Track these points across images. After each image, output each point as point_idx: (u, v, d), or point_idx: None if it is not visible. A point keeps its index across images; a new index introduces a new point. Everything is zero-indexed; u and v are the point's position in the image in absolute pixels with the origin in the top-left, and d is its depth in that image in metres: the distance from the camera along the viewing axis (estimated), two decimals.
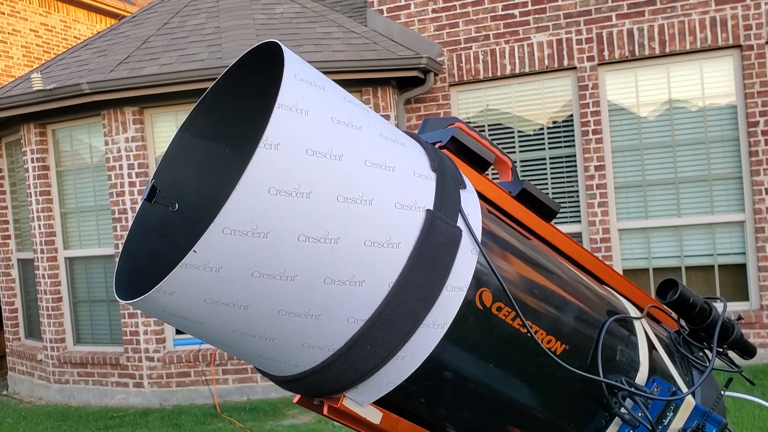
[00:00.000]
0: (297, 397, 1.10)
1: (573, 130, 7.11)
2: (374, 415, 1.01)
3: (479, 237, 0.98)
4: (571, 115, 7.11)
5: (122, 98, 6.71)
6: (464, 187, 1.01)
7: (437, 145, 1.14)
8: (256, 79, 1.07)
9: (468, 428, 1.07)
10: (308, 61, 1.12)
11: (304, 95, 0.87)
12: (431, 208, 0.93)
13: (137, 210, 1.09)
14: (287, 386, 1.02)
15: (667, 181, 6.92)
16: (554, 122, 7.21)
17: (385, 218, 0.89)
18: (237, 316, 0.87)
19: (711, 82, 6.79)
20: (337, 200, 0.86)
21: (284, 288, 0.86)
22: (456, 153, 1.13)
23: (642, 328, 1.19)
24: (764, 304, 6.63)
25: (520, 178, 1.21)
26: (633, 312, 1.21)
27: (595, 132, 6.95)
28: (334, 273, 0.87)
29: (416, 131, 1.22)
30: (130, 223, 6.95)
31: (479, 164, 1.15)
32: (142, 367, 6.98)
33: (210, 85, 6.42)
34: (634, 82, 6.98)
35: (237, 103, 1.11)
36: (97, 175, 7.32)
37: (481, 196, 1.13)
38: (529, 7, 7.10)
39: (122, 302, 0.93)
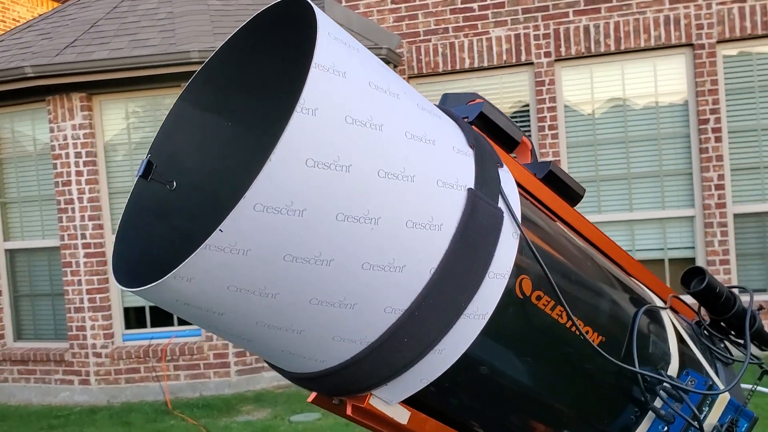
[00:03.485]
0: (312, 395, 1.01)
1: (530, 126, 7.14)
2: (402, 415, 0.93)
3: (520, 219, 0.91)
4: (528, 111, 7.14)
5: (69, 83, 6.42)
6: (501, 165, 0.94)
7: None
8: (262, 44, 0.98)
9: (496, 426, 1.01)
10: None
11: (341, 56, 0.78)
12: (472, 187, 0.86)
13: (132, 188, 0.98)
14: (306, 384, 0.93)
15: (619, 176, 7.03)
16: (512, 117, 7.23)
17: (427, 197, 0.82)
18: (263, 305, 0.78)
19: (664, 80, 6.91)
20: (378, 175, 0.77)
21: (318, 274, 0.77)
22: (483, 130, 1.06)
23: (669, 319, 1.15)
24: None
25: (539, 160, 1.15)
26: (658, 303, 1.17)
27: (551, 128, 7.00)
28: (373, 257, 0.79)
29: None
30: (77, 214, 6.69)
31: (506, 143, 1.08)
32: (88, 364, 6.72)
33: (163, 71, 6.22)
34: (589, 78, 7.05)
35: (240, 71, 1.01)
36: (41, 163, 7.01)
37: None
38: (488, 1, 7.10)
39: (127, 290, 0.83)
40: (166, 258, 0.96)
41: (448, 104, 1.12)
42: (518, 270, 0.90)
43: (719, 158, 6.69)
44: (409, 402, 0.94)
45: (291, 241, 0.74)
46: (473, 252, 0.84)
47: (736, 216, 6.78)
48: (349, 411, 0.92)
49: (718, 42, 6.66)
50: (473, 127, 1.05)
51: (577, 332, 0.95)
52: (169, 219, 1.01)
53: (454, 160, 0.86)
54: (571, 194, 1.14)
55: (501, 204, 0.89)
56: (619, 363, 0.97)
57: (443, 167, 0.84)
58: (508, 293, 0.89)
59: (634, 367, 1.01)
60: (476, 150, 0.90)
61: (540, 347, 0.95)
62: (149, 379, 6.64)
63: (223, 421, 5.88)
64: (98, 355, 6.70)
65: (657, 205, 6.99)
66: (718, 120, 6.67)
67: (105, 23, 6.89)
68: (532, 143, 1.18)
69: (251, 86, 1.01)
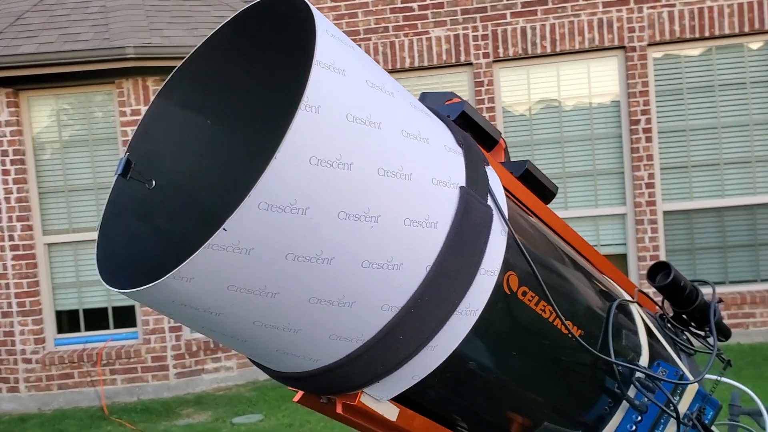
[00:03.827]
0: (299, 395, 1.00)
1: None
2: (391, 412, 0.93)
3: (507, 217, 0.93)
4: None
5: None
6: (488, 164, 0.96)
7: None
8: (246, 42, 0.96)
9: (480, 420, 1.02)
10: None
11: (340, 54, 0.78)
12: (464, 185, 0.87)
13: (111, 187, 0.95)
14: (296, 383, 0.92)
15: (555, 175, 7.20)
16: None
17: (423, 195, 0.82)
18: (262, 305, 0.77)
19: (597, 82, 7.12)
20: (378, 173, 0.77)
21: (319, 272, 0.76)
22: (464, 129, 1.07)
23: (638, 313, 1.18)
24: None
25: (511, 159, 1.17)
26: (627, 297, 1.21)
27: None
28: (372, 255, 0.79)
29: None
30: (4, 215, 6.41)
31: (485, 142, 1.09)
32: (17, 370, 6.45)
33: (96, 67, 6.03)
34: (526, 79, 7.20)
35: (220, 69, 0.99)
36: None
37: None
38: (427, 1, 7.16)
39: (118, 292, 0.80)
40: (148, 258, 0.93)
41: (427, 103, 1.13)
42: (506, 266, 0.92)
43: (650, 158, 6.94)
44: (398, 399, 0.95)
45: (293, 240, 0.73)
46: (467, 249, 0.85)
47: (665, 213, 7.05)
48: (339, 409, 0.91)
49: (649, 45, 6.91)
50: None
51: (561, 326, 0.98)
52: (149, 219, 0.98)
53: (446, 159, 0.87)
54: (546, 192, 1.16)
55: (490, 202, 0.90)
56: (599, 354, 1.00)
57: (437, 165, 0.85)
58: (497, 289, 0.91)
59: (611, 358, 1.04)
60: (464, 148, 0.91)
61: (525, 341, 0.97)
62: (84, 384, 6.42)
63: (162, 425, 5.75)
64: (28, 360, 6.44)
65: (590, 203, 7.20)
66: (648, 120, 6.92)
67: (32, 16, 6.62)
68: (506, 143, 1.19)
69: (232, 84, 0.99)
